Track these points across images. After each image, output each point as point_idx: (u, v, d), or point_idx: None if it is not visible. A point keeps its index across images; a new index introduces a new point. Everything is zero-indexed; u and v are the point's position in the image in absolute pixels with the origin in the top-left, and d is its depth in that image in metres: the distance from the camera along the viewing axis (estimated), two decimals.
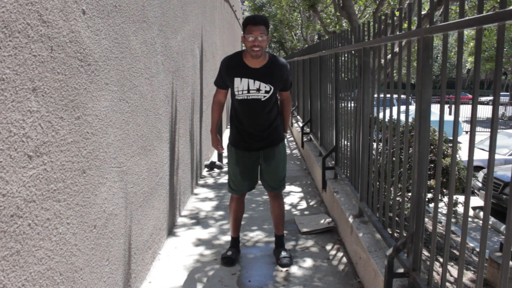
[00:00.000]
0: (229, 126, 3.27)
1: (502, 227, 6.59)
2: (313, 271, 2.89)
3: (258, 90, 2.70)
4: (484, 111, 22.73)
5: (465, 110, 20.13)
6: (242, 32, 2.65)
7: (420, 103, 1.97)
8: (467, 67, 34.67)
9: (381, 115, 2.76)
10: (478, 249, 3.44)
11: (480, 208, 7.52)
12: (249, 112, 2.77)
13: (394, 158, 2.41)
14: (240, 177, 2.89)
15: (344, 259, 3.06)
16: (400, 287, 2.14)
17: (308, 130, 6.58)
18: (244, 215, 3.58)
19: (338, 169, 4.03)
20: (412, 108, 2.40)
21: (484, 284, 3.17)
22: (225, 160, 6.24)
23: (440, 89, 1.79)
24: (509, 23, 1.37)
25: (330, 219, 3.75)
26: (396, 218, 2.57)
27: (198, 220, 3.88)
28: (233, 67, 2.72)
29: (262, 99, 2.72)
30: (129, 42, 2.39)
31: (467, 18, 1.51)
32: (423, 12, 6.57)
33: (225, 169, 5.87)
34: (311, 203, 4.40)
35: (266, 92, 2.71)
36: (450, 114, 18.82)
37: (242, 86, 2.70)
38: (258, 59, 2.66)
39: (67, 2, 1.64)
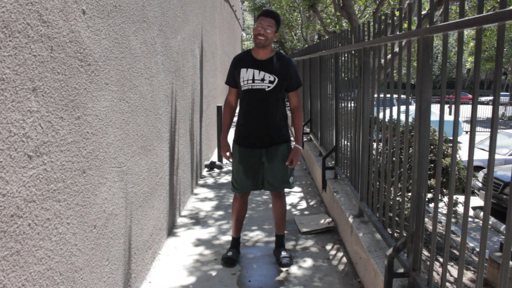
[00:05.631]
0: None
1: (502, 227, 6.59)
2: (313, 271, 2.89)
3: (263, 80, 2.81)
4: (484, 111, 22.73)
5: (465, 110, 20.13)
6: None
7: (420, 103, 1.97)
8: (467, 67, 34.65)
9: (381, 115, 2.76)
10: (478, 249, 3.43)
11: (480, 208, 7.52)
12: (252, 103, 2.84)
13: (394, 158, 2.41)
14: (244, 175, 2.91)
15: (344, 259, 3.06)
16: (400, 287, 2.14)
17: (308, 130, 6.57)
18: None
19: (338, 169, 4.03)
20: (412, 108, 2.40)
21: (484, 284, 3.17)
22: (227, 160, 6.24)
23: (440, 89, 1.79)
24: (509, 23, 1.37)
25: (330, 219, 3.75)
26: (396, 218, 2.57)
27: (198, 220, 3.88)
28: (240, 59, 2.91)
29: (266, 89, 2.82)
30: (129, 42, 2.39)
31: (467, 18, 1.51)
32: (423, 12, 6.56)
33: (225, 169, 5.87)
34: (311, 203, 4.40)
35: (270, 82, 2.81)
36: (450, 114, 18.81)
37: (247, 76, 2.84)
38: (264, 52, 2.83)
39: (67, 2, 1.64)
